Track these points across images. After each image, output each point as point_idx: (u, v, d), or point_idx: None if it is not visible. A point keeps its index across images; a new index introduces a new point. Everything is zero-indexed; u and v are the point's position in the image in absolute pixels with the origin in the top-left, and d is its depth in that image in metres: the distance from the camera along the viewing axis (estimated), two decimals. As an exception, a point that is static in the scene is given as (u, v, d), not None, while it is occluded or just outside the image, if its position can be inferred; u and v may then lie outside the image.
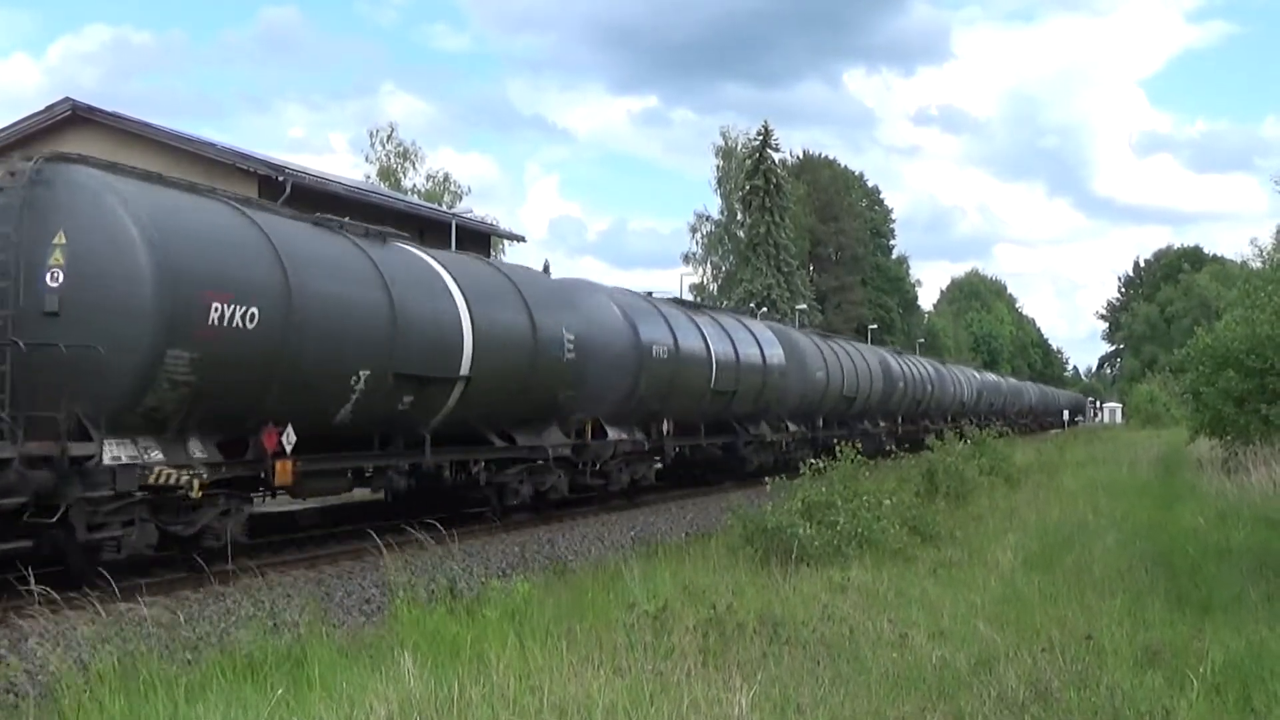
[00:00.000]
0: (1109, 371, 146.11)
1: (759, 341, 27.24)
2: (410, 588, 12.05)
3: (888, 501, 15.36)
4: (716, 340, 24.44)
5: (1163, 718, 6.81)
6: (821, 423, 32.42)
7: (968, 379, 58.04)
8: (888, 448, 29.23)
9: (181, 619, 10.74)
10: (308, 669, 7.90)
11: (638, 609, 9.02)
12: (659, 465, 23.58)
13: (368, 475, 15.21)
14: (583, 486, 19.70)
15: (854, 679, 7.52)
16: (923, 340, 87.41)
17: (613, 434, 20.01)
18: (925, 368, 48.02)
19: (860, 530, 13.89)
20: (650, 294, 24.71)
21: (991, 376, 72.50)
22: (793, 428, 29.87)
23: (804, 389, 30.23)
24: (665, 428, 22.01)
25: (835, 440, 31.10)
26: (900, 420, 42.42)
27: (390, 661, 7.50)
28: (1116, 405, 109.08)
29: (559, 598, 11.53)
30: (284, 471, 12.74)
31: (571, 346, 17.92)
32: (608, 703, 6.51)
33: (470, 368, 15.35)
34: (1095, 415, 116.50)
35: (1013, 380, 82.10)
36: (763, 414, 27.76)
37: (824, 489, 14.97)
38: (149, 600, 11.08)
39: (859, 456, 17.20)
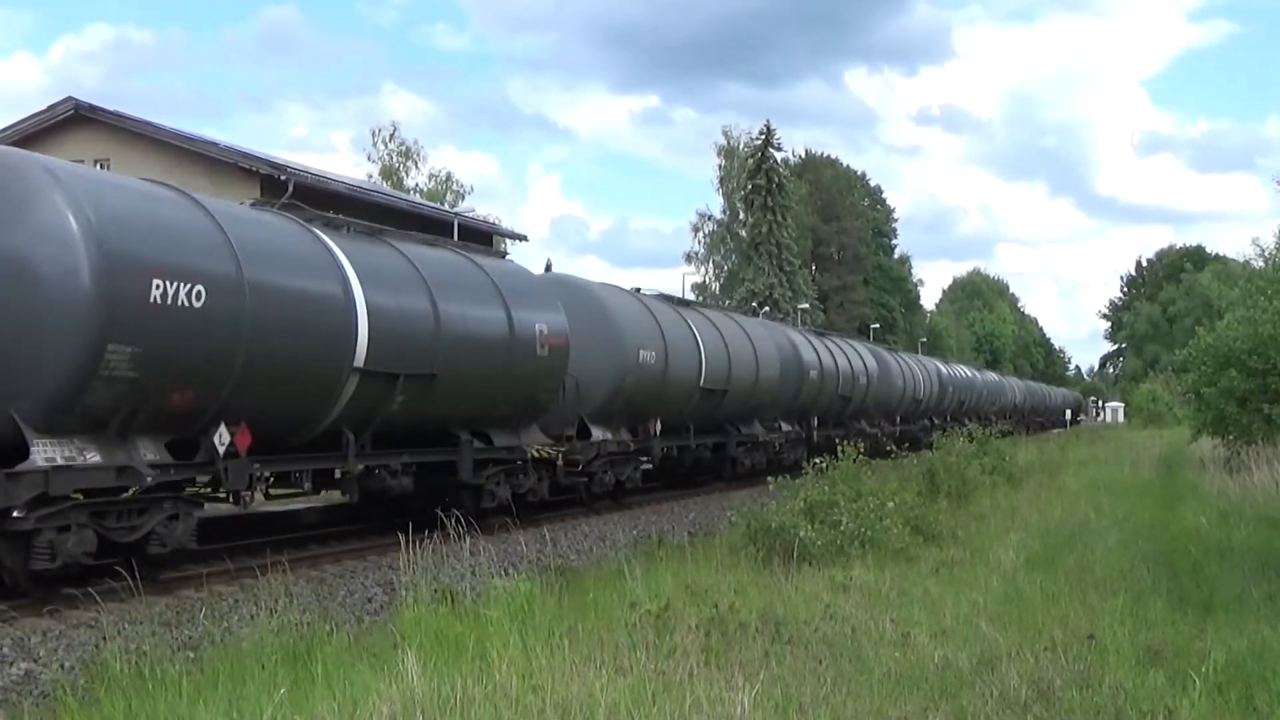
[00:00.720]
0: (1111, 371, 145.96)
1: (504, 297, 16.79)
2: (414, 587, 12.08)
3: (891, 503, 15.34)
4: (384, 286, 14.22)
5: (1165, 717, 6.80)
6: (658, 428, 21.92)
7: (925, 371, 48.73)
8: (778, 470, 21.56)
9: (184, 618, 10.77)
10: (311, 668, 7.91)
11: (640, 608, 9.03)
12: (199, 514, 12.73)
13: None
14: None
15: (856, 678, 7.53)
16: (925, 340, 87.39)
17: (42, 452, 10.35)
18: (859, 356, 37.73)
19: (863, 530, 13.88)
20: (251, 202, 15.72)
21: (964, 370, 63.03)
22: (600, 435, 19.95)
23: (619, 377, 20.18)
24: (222, 442, 11.94)
25: (695, 449, 23.59)
26: (815, 424, 32.20)
27: (393, 660, 7.51)
28: (1119, 405, 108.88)
29: (561, 597, 11.54)
30: None
31: None
32: (610, 702, 6.51)
33: None
34: (1097, 415, 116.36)
35: (991, 375, 72.45)
36: (527, 414, 17.78)
37: (826, 489, 14.96)
38: (151, 600, 11.11)
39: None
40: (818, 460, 16.41)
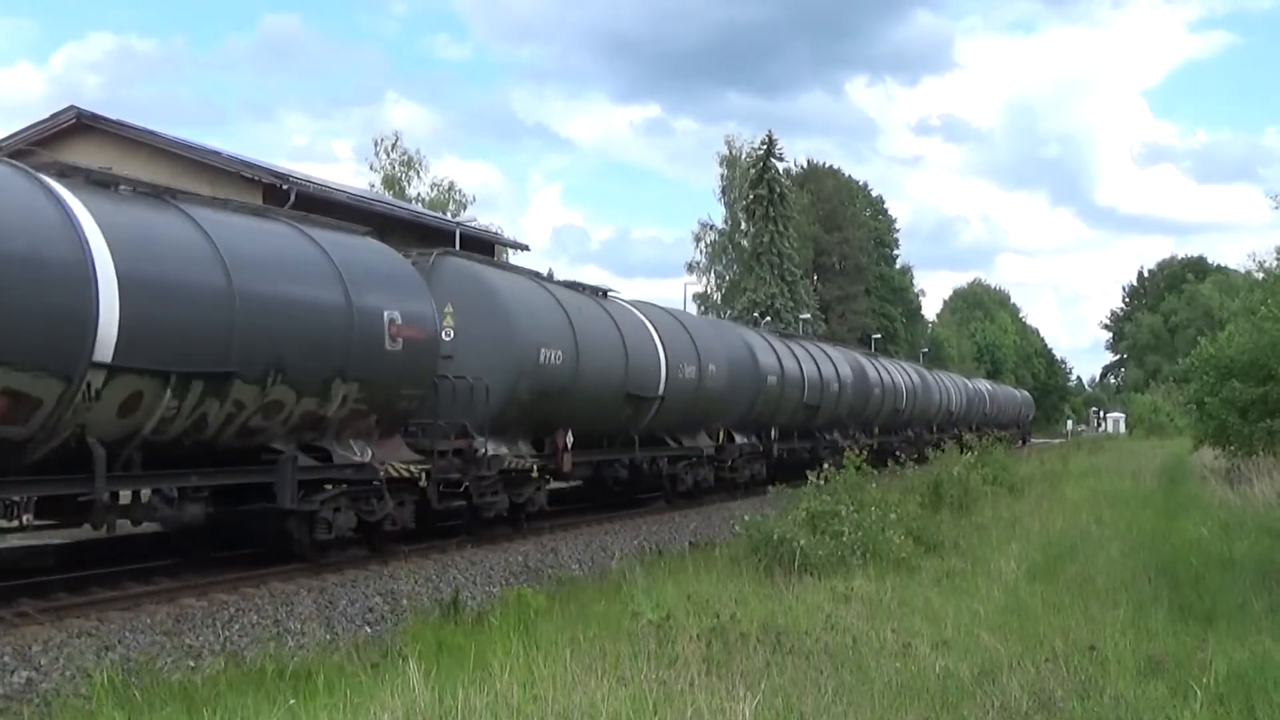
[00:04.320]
0: (1113, 381, 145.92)
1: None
2: (414, 597, 12.09)
3: (893, 515, 15.34)
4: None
5: (1166, 728, 6.81)
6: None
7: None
8: None
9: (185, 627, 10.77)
10: (313, 678, 7.92)
11: (641, 618, 9.03)
12: None
13: None
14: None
15: (857, 689, 7.53)
16: (926, 350, 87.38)
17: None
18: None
19: (865, 541, 13.89)
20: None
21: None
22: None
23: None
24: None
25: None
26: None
27: (395, 670, 7.51)
28: (1120, 415, 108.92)
29: (563, 607, 11.55)
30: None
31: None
32: (611, 711, 6.52)
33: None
34: (1099, 425, 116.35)
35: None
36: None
37: (829, 499, 14.97)
38: (152, 609, 11.12)
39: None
40: (821, 469, 16.46)
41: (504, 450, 16.26)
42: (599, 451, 19.61)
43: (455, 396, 15.49)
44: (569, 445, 17.63)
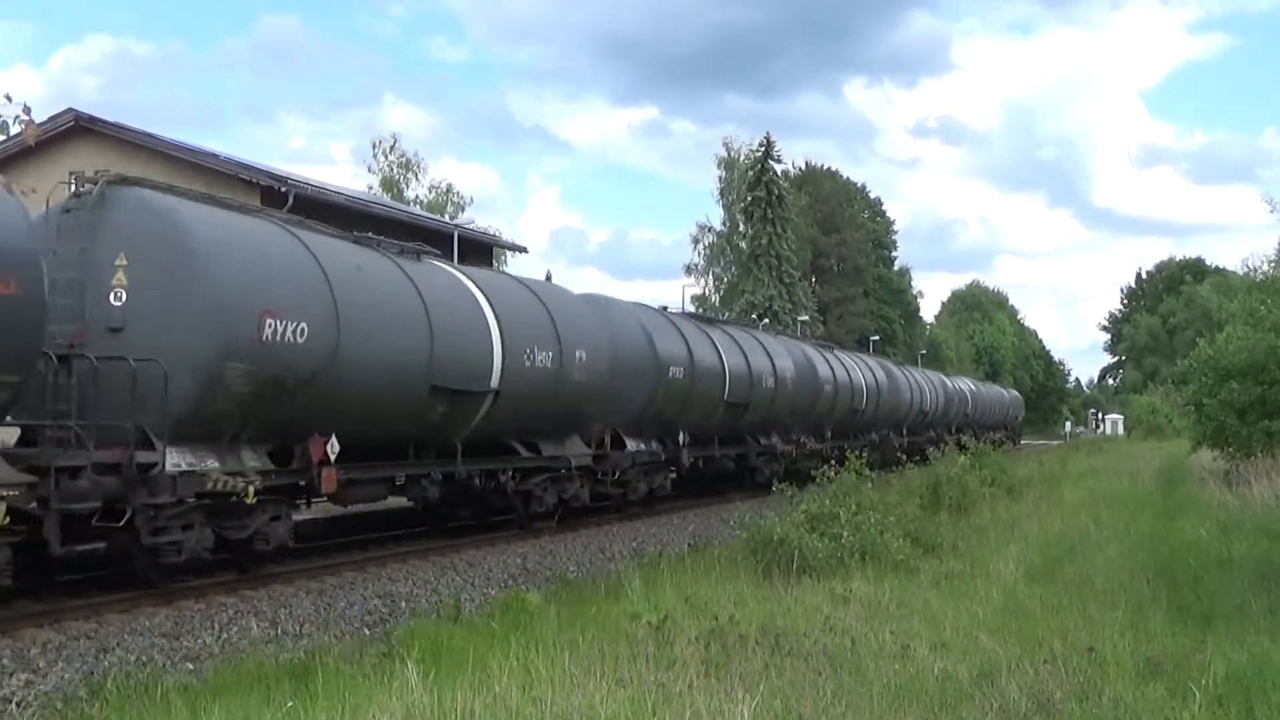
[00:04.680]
0: (1111, 383, 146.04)
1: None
2: (413, 599, 12.08)
3: (892, 517, 15.34)
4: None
5: (1165, 730, 6.81)
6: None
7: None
8: None
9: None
10: (312, 680, 7.92)
11: (640, 620, 9.04)
12: None
13: None
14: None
15: (856, 690, 7.53)
16: (924, 352, 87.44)
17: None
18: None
19: (863, 543, 13.89)
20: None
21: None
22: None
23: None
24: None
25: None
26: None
27: (394, 672, 7.52)
28: (1118, 417, 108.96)
29: (562, 609, 11.55)
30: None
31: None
32: (610, 713, 6.52)
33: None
34: (1097, 427, 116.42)
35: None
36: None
37: (828, 501, 14.97)
38: (151, 611, 11.12)
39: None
40: (825, 469, 16.42)
41: (210, 464, 11.67)
42: (399, 464, 14.85)
43: (99, 386, 10.94)
44: (331, 456, 12.97)
